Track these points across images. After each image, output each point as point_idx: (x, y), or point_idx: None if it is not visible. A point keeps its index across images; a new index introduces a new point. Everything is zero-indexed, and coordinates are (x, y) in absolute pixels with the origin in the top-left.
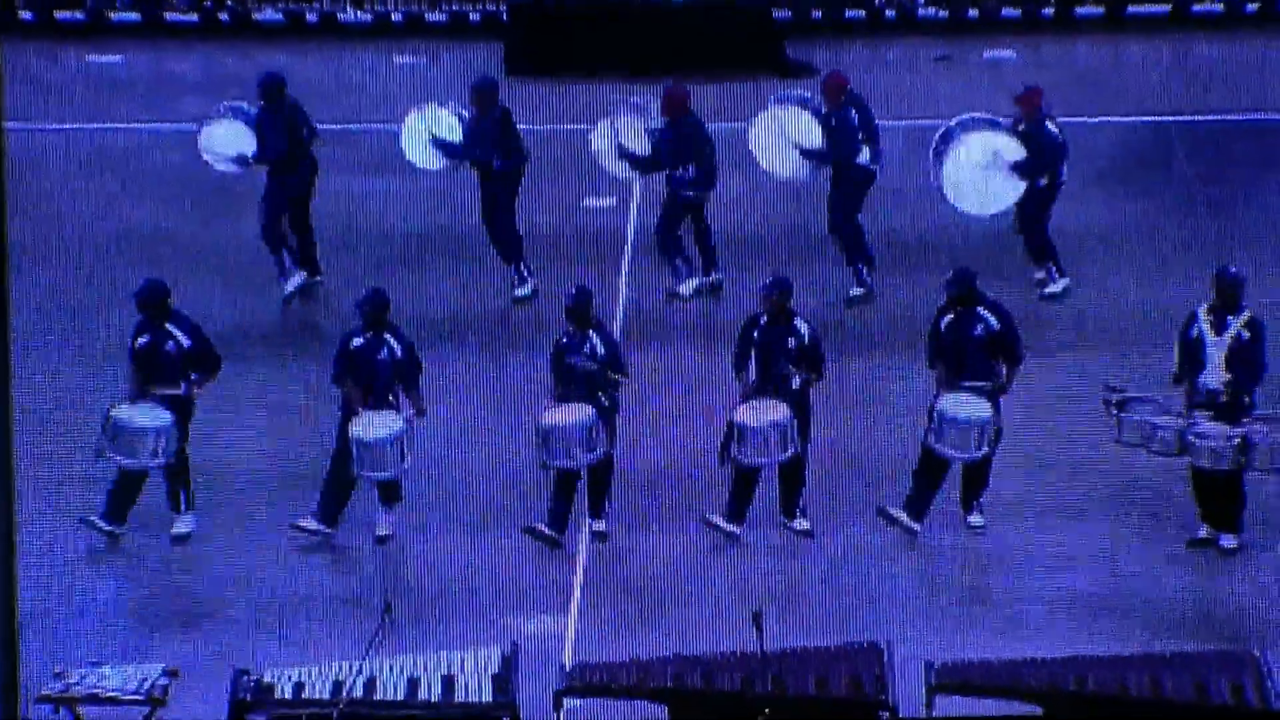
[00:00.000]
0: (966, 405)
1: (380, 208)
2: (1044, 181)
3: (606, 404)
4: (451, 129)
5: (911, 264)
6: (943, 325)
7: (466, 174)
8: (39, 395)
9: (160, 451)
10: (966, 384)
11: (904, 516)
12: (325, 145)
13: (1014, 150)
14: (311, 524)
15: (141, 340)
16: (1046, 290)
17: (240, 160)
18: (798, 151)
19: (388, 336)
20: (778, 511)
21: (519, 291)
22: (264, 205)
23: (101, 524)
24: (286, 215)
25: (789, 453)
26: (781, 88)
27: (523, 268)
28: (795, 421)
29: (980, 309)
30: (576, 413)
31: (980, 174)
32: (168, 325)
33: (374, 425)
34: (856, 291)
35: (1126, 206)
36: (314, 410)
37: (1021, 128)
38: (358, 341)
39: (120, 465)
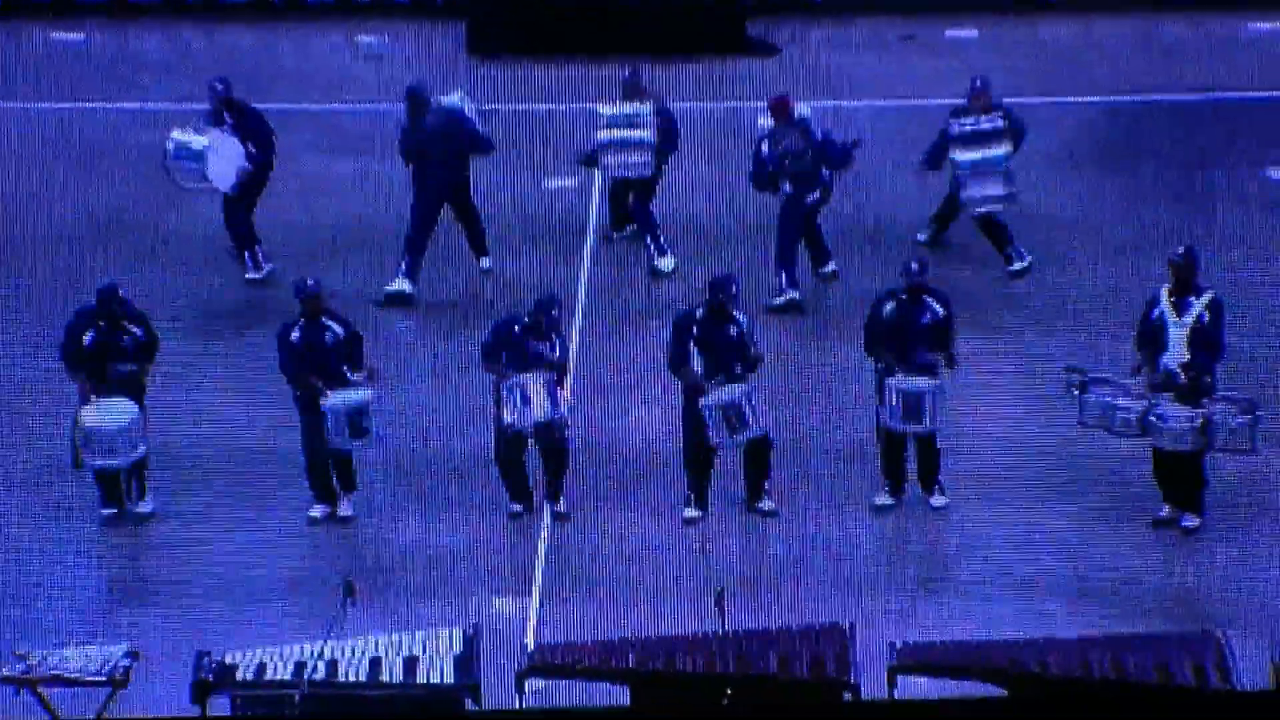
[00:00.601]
0: (915, 379)
1: (343, 188)
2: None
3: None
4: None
5: (875, 247)
6: (884, 313)
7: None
8: None
9: (136, 443)
10: (918, 365)
11: (886, 499)
12: (288, 125)
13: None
14: (316, 511)
15: (90, 336)
16: (1013, 267)
17: (242, 174)
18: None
19: (327, 321)
20: (740, 493)
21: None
22: (232, 204)
23: (108, 511)
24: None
25: (762, 427)
26: (744, 67)
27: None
28: (757, 396)
29: (926, 296)
30: (536, 375)
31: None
32: (121, 322)
33: (347, 396)
34: (777, 300)
35: (1091, 186)
36: (277, 390)
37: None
38: (296, 334)
39: (101, 468)
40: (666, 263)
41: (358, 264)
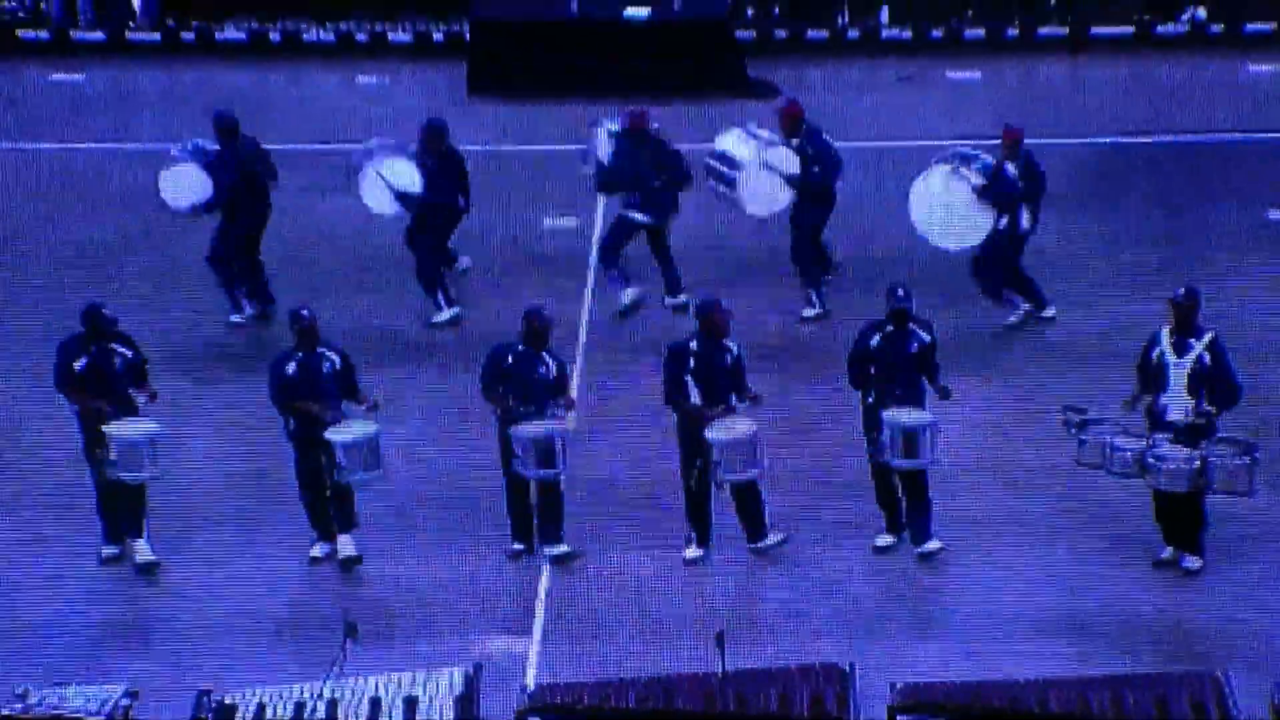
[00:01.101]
0: (912, 413)
1: (340, 227)
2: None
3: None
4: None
5: (872, 283)
6: (872, 345)
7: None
8: None
9: (158, 458)
10: (909, 397)
11: (887, 539)
12: (286, 165)
13: (978, 179)
14: (318, 550)
15: (81, 362)
16: (1008, 320)
17: (194, 210)
18: (784, 180)
19: (323, 351)
20: (737, 531)
21: (437, 318)
22: (218, 238)
23: (110, 550)
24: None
25: (764, 465)
26: (745, 109)
27: (440, 297)
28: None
29: (911, 324)
30: (544, 425)
31: (952, 208)
32: (110, 344)
33: (353, 428)
34: (809, 312)
35: (1088, 225)
36: (274, 427)
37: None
38: (292, 366)
39: (127, 480)
40: (626, 296)
41: (355, 299)
